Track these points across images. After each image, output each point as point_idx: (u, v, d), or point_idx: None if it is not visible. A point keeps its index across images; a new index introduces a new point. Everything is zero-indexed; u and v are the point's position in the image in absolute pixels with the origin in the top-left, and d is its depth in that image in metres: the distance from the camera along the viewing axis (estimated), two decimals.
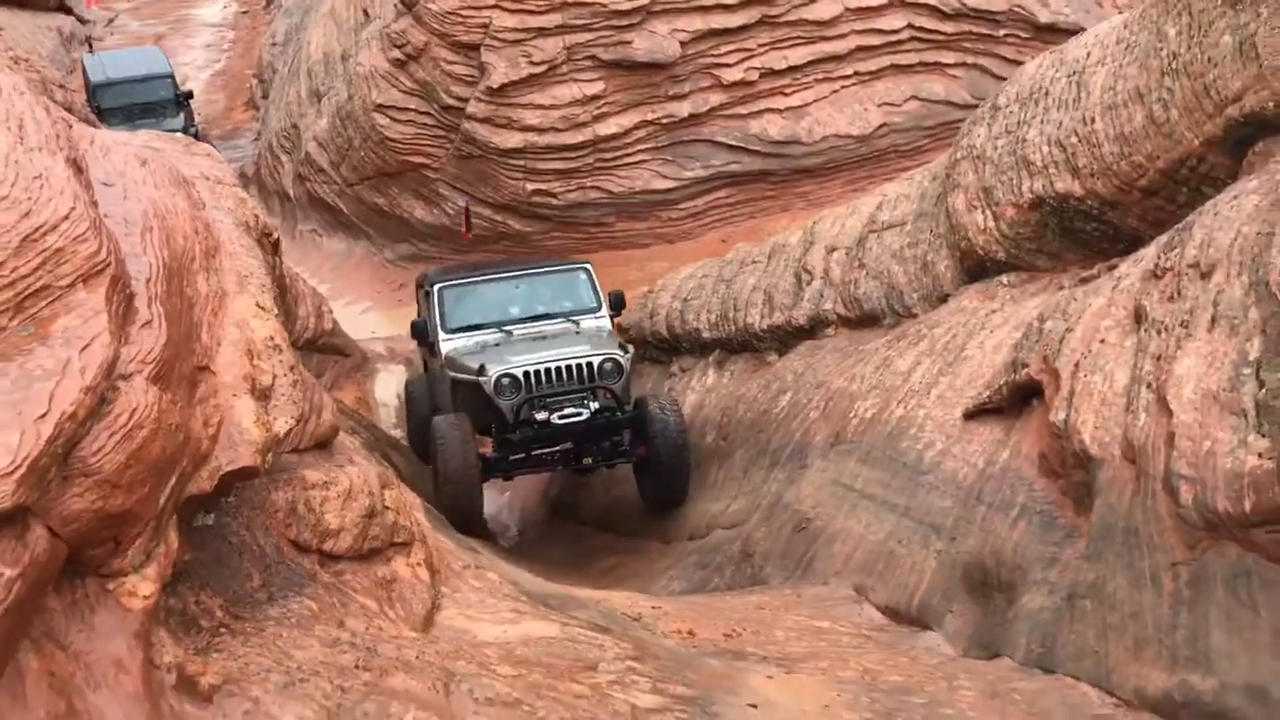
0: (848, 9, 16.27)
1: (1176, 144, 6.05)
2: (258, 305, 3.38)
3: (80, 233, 2.43)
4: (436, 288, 10.05)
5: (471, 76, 16.26)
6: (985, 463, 5.33)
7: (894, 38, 16.45)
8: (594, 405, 8.75)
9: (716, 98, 16.36)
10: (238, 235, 3.84)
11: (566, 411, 8.68)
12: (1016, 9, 16.38)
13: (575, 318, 9.76)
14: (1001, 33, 16.50)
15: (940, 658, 4.54)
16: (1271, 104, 5.37)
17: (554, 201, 16.38)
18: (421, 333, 10.01)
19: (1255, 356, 4.09)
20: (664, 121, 16.19)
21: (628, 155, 16.27)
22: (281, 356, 3.31)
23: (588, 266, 10.42)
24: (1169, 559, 3.99)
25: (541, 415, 8.64)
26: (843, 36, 16.38)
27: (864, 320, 8.38)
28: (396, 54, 17.00)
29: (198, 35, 29.79)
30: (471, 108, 16.21)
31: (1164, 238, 5.29)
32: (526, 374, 8.71)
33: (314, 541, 3.04)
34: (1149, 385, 4.56)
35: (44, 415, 2.00)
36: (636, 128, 16.13)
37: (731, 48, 16.44)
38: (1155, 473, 4.26)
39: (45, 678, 1.97)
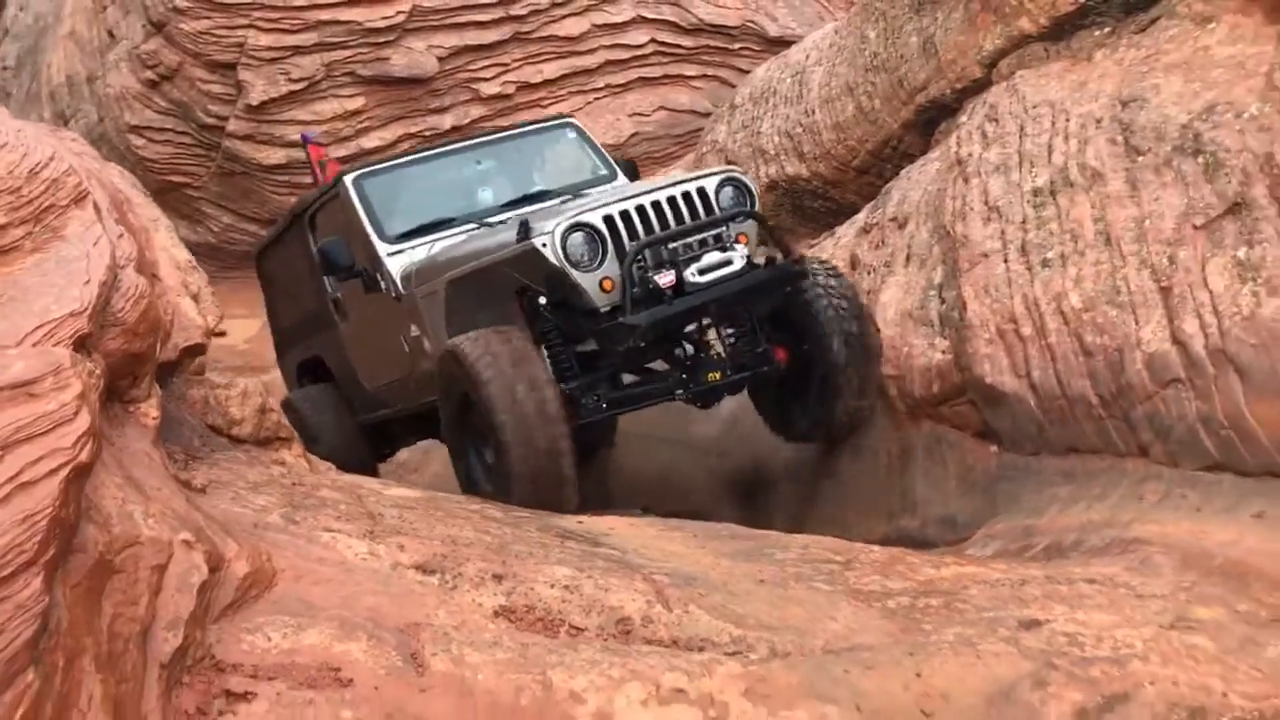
0: (595, 25, 17.31)
1: (880, 129, 7.27)
2: (171, 238, 4.10)
3: (65, 169, 3.15)
4: (353, 181, 6.29)
5: (229, 95, 16.39)
6: (743, 394, 6.37)
7: (639, 52, 17.60)
8: (742, 251, 5.08)
9: (477, 110, 17.08)
10: (134, 193, 4.46)
11: (709, 261, 4.97)
12: (749, 24, 17.86)
13: (584, 191, 6.25)
14: (736, 46, 17.92)
15: None
16: (949, 91, 6.60)
17: None
18: (337, 262, 6.07)
19: (939, 281, 5.27)
20: (427, 134, 16.76)
21: None
22: (199, 274, 4.10)
23: (574, 123, 7.03)
24: (885, 439, 5.13)
25: (664, 277, 4.93)
26: (592, 52, 17.39)
27: None
28: (149, 74, 16.90)
29: None
30: (232, 125, 16.34)
31: (871, 203, 6.47)
32: (621, 214, 5.05)
33: (225, 427, 3.79)
34: None
35: (88, 281, 2.71)
36: (400, 140, 16.65)
37: (487, 62, 17.21)
38: None
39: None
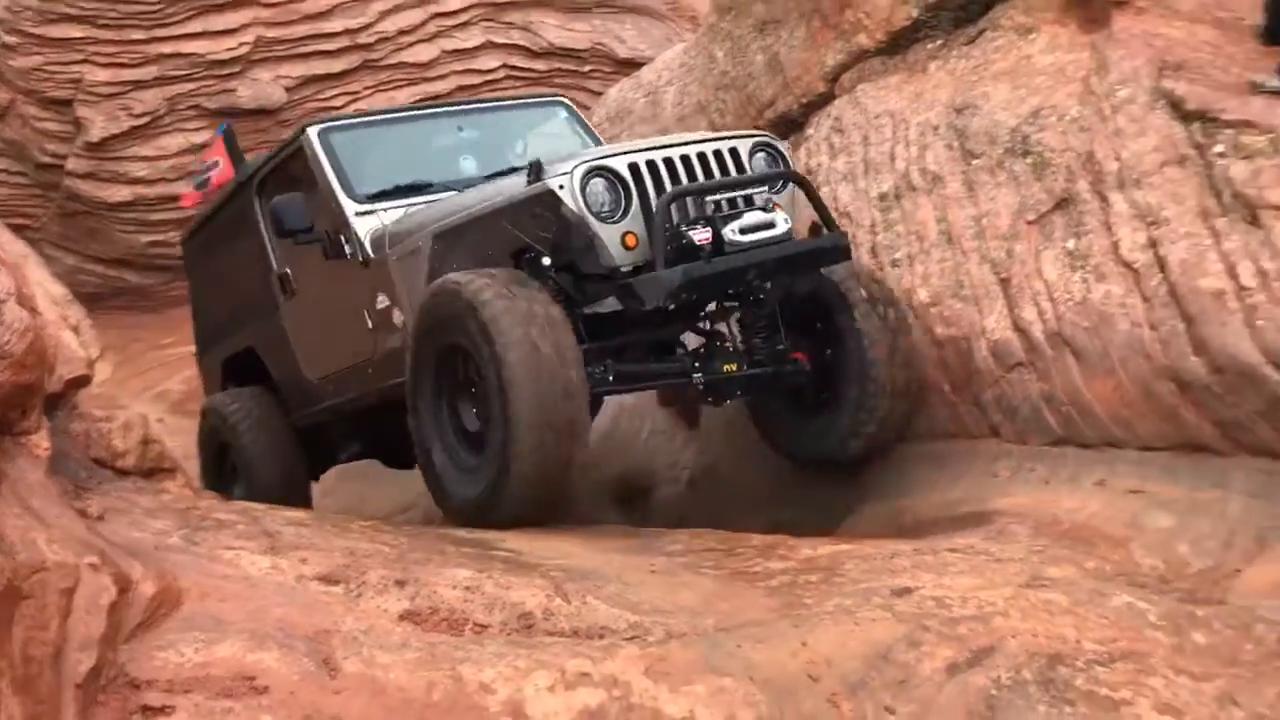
0: (445, 52, 17.35)
1: None
2: (43, 273, 4.06)
3: None
4: (319, 133, 5.59)
5: (67, 133, 15.92)
6: (617, 401, 6.57)
7: (491, 77, 17.69)
8: (784, 216, 4.61)
9: None
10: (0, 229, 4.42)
11: (751, 221, 4.47)
12: (598, 46, 18.15)
13: None
14: (587, 68, 18.17)
15: None
16: (796, 106, 6.92)
17: (173, 251, 16.33)
18: (291, 222, 5.30)
19: None
20: None
21: None
22: (77, 307, 4.06)
23: (566, 101, 6.53)
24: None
25: (700, 234, 4.40)
26: (443, 78, 17.41)
27: None
28: None
29: None
30: (71, 164, 15.87)
31: None
32: (648, 164, 4.51)
33: (109, 459, 3.80)
34: None
35: None
36: None
37: (336, 91, 17.09)
38: None
39: None
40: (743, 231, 4.44)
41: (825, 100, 6.51)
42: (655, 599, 3.48)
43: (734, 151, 4.74)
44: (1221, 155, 4.61)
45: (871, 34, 6.41)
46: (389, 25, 17.02)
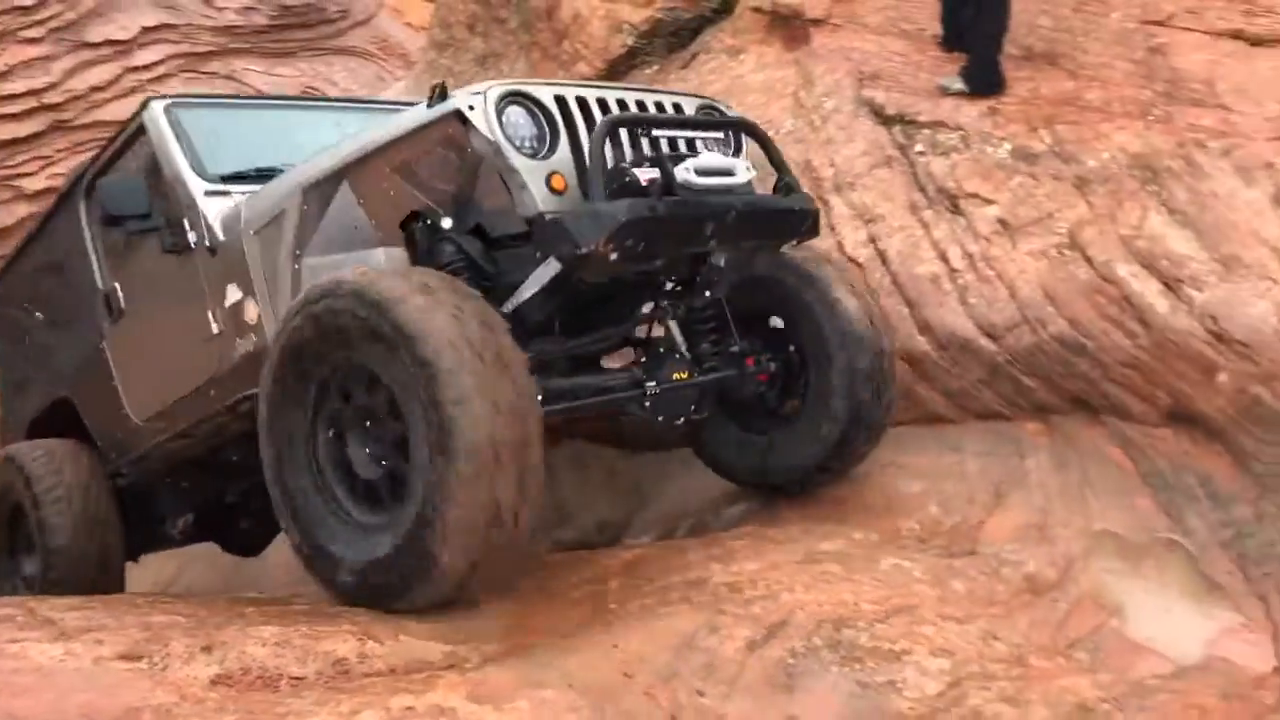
0: None
1: None
2: None
3: None
4: (165, 108, 4.65)
5: None
6: None
7: None
8: (747, 164, 3.87)
9: (24, 208, 15.95)
10: None
11: (708, 162, 3.69)
12: (309, 89, 17.76)
13: None
14: None
15: None
16: None
17: None
18: (122, 206, 4.38)
19: None
20: None
21: None
22: None
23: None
24: None
25: (646, 173, 3.55)
26: None
27: None
28: None
29: None
30: None
31: None
32: (578, 100, 3.71)
33: None
34: None
35: None
36: None
37: (28, 156, 16.12)
38: None
39: None
40: (699, 173, 3.61)
41: None
42: (467, 627, 3.55)
43: (677, 106, 3.99)
44: (921, 154, 5.12)
45: (590, 62, 6.69)
46: (78, 83, 16.20)
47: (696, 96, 4.20)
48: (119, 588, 4.91)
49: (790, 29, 6.04)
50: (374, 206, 3.84)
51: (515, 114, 3.56)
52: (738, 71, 6.03)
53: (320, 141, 4.42)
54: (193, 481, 4.98)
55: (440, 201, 3.71)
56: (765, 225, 3.90)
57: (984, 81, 5.26)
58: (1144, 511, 4.22)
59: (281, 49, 17.32)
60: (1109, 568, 4.03)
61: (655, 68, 6.57)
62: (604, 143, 3.58)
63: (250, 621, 3.56)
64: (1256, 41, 5.19)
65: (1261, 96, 4.89)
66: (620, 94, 3.83)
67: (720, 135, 4.00)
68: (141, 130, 4.71)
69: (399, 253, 3.79)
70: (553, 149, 3.59)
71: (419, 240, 3.77)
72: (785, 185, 3.99)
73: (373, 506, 3.50)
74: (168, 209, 4.43)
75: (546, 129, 3.61)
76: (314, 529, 3.56)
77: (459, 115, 3.52)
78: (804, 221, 4.00)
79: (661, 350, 4.11)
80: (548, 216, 3.48)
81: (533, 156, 3.54)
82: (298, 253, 3.97)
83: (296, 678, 3.24)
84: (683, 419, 4.15)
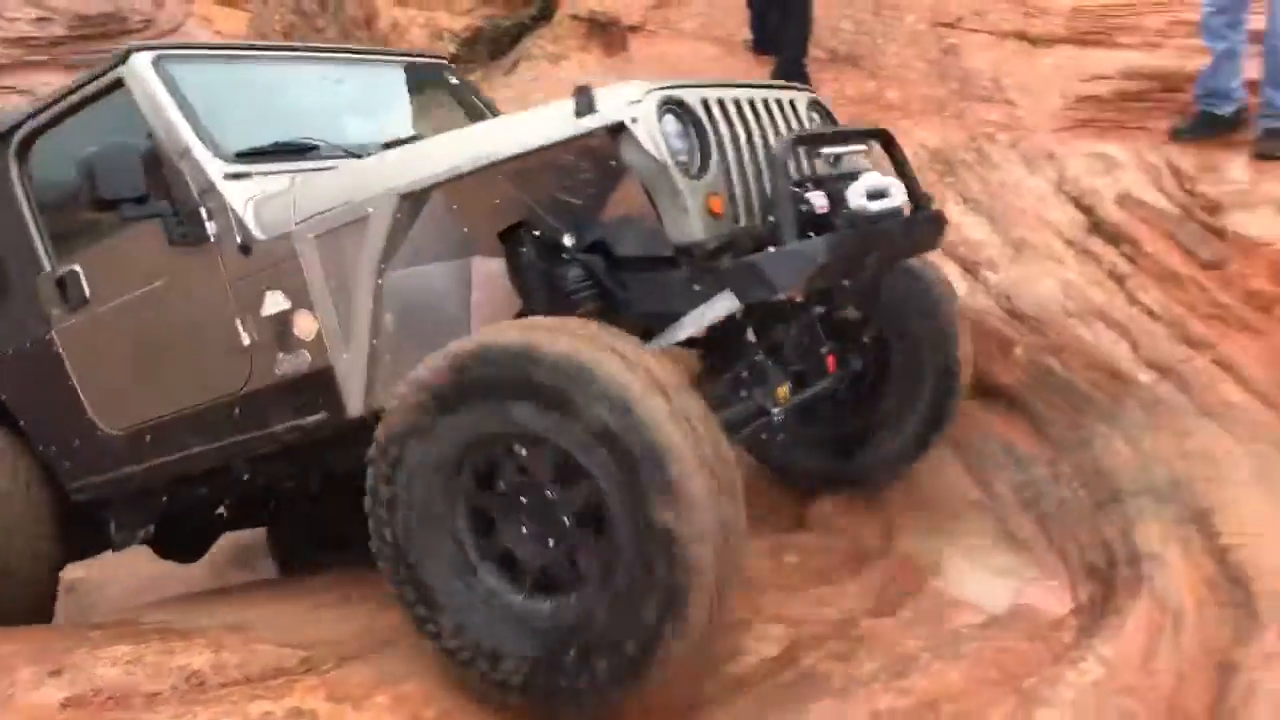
0: None
1: None
2: None
3: None
4: (154, 61, 3.82)
5: None
6: None
7: None
8: (898, 184, 3.52)
9: None
10: None
11: (875, 185, 3.35)
12: None
13: None
14: None
15: None
16: None
17: None
18: (119, 187, 3.52)
19: None
20: None
21: None
22: None
23: (452, 67, 4.93)
24: None
25: (818, 198, 3.23)
26: None
27: None
28: None
29: None
30: None
31: None
32: (719, 103, 3.22)
33: None
34: None
35: None
36: None
37: None
38: None
39: None
40: (870, 197, 3.27)
41: None
42: (321, 633, 3.61)
43: (793, 104, 3.59)
44: None
45: None
46: None
47: (801, 88, 3.81)
48: (44, 605, 4.42)
49: (608, 35, 6.24)
50: (471, 213, 3.32)
51: (670, 124, 3.07)
52: (560, 76, 6.19)
53: (320, 103, 4.06)
54: (179, 495, 4.33)
55: (559, 213, 3.28)
56: (914, 243, 3.66)
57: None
58: (956, 478, 4.55)
59: (82, 61, 16.62)
60: (927, 531, 4.34)
61: (478, 74, 6.68)
62: (785, 166, 3.20)
63: (99, 644, 3.55)
64: (1036, 41, 5.64)
65: (1043, 92, 5.33)
66: (751, 94, 3.37)
67: (864, 147, 3.65)
68: (113, 87, 3.88)
69: (497, 265, 3.35)
70: (705, 165, 3.10)
71: (524, 253, 3.33)
72: (926, 197, 3.69)
73: (533, 593, 2.95)
74: (172, 193, 3.70)
75: (696, 140, 3.12)
76: (454, 615, 3.08)
77: (617, 127, 3.01)
78: (941, 232, 3.77)
79: (759, 364, 3.53)
80: (738, 259, 3.07)
81: (689, 173, 3.04)
82: (383, 266, 3.36)
83: (151, 693, 3.26)
84: (779, 437, 3.63)
